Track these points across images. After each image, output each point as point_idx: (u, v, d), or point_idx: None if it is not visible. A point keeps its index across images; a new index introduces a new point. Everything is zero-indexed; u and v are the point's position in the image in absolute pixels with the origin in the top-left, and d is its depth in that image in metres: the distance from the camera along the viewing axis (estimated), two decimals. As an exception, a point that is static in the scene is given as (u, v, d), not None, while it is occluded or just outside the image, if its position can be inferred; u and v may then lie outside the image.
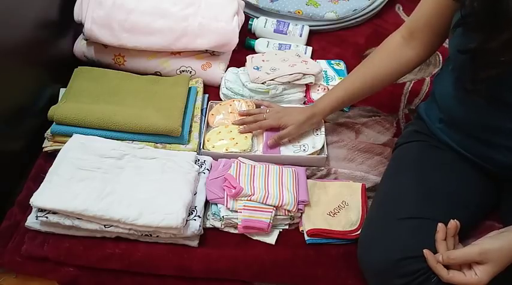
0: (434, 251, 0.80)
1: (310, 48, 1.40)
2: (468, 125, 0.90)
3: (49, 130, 1.05)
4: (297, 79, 1.21)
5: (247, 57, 1.28)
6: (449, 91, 0.91)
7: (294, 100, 1.22)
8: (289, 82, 1.20)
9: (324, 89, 1.23)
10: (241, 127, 1.13)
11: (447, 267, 0.77)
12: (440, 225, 0.81)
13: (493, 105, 0.82)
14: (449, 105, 0.92)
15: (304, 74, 1.21)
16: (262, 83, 1.20)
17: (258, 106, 1.19)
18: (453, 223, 0.81)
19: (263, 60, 1.26)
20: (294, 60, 1.26)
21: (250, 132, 1.12)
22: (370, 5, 1.51)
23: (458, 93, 0.89)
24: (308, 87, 1.24)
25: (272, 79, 1.19)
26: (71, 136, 1.03)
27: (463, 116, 0.89)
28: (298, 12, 1.47)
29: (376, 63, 1.04)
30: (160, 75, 1.27)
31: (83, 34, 1.23)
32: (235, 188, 0.95)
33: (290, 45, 1.39)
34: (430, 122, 1.00)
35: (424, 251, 0.79)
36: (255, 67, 1.23)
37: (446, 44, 1.42)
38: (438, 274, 0.77)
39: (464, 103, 0.88)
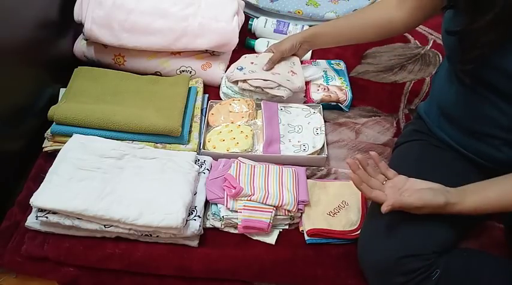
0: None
1: (310, 48, 1.40)
2: (461, 117, 0.91)
3: (49, 130, 1.05)
4: (270, 88, 1.16)
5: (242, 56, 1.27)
6: (444, 82, 0.93)
7: (294, 99, 1.21)
8: (261, 88, 1.17)
9: (324, 89, 1.23)
10: (239, 123, 1.12)
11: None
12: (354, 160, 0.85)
13: (480, 90, 0.84)
14: (444, 95, 0.94)
15: (280, 85, 1.16)
16: (235, 83, 1.19)
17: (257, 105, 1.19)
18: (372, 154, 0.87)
19: (252, 63, 1.22)
20: (282, 67, 1.20)
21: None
22: (370, 5, 1.51)
23: (451, 84, 0.91)
24: (308, 87, 1.24)
25: (245, 81, 1.17)
26: (71, 136, 1.03)
27: (456, 107, 0.91)
28: (298, 12, 1.47)
29: (366, 12, 1.16)
30: (160, 75, 1.27)
31: (83, 34, 1.23)
32: (235, 188, 0.95)
33: (290, 45, 1.39)
34: (429, 121, 1.00)
35: (348, 161, 0.85)
36: (239, 68, 1.21)
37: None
38: (363, 192, 0.84)
39: (457, 92, 0.89)
